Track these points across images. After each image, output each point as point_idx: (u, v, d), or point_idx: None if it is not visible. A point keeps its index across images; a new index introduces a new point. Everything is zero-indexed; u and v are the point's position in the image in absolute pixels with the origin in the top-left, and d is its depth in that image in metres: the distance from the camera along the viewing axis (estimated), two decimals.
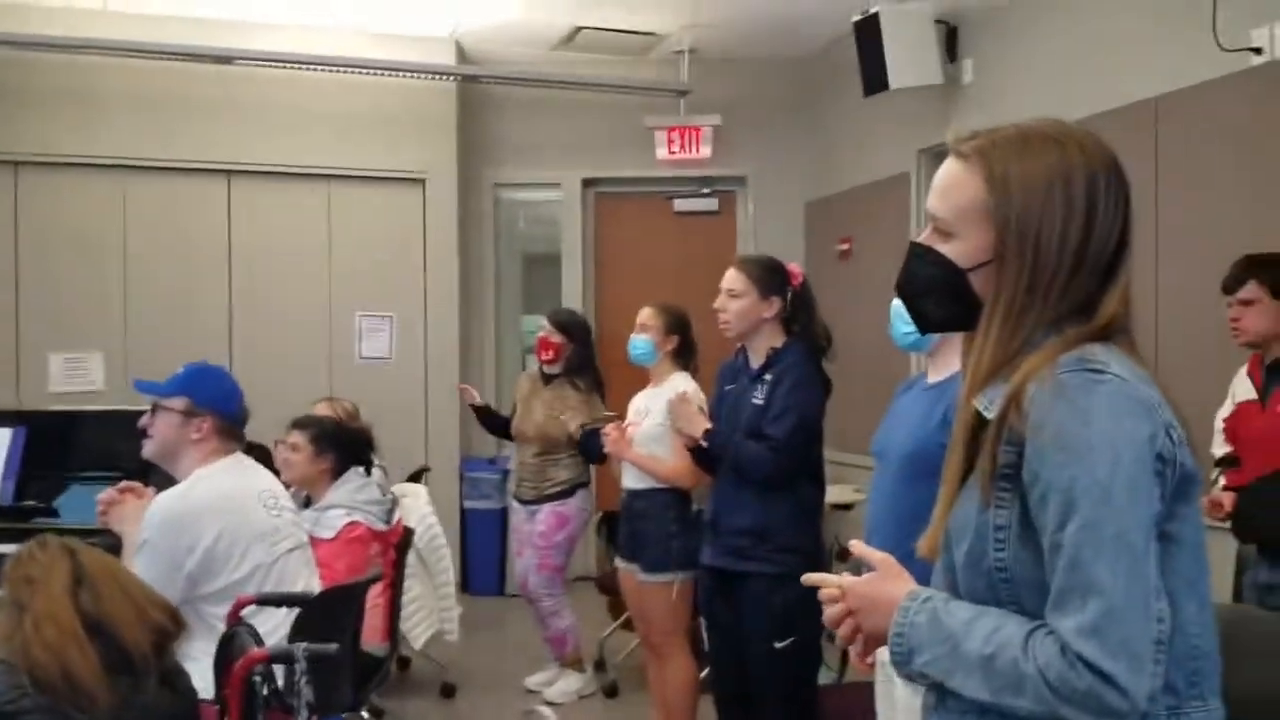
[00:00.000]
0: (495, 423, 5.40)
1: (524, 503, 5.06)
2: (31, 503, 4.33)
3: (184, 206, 6.67)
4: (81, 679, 2.02)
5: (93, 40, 6.09)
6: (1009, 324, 1.32)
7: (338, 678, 3.12)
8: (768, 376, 3.29)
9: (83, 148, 6.40)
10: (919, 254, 1.40)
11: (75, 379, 6.39)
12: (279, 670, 2.53)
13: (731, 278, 3.41)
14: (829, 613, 1.39)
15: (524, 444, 5.09)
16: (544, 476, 4.96)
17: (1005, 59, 5.62)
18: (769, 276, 3.36)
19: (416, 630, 4.79)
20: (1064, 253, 1.31)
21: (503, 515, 6.78)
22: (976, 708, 1.26)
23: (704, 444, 3.37)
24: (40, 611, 2.09)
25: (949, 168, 1.38)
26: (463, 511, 6.99)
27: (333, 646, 2.27)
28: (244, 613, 2.84)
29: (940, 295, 1.38)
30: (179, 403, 2.97)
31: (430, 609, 4.84)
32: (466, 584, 6.95)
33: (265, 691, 2.10)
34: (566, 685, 4.96)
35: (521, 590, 5.11)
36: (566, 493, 4.94)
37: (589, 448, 4.72)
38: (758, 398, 3.26)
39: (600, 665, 5.28)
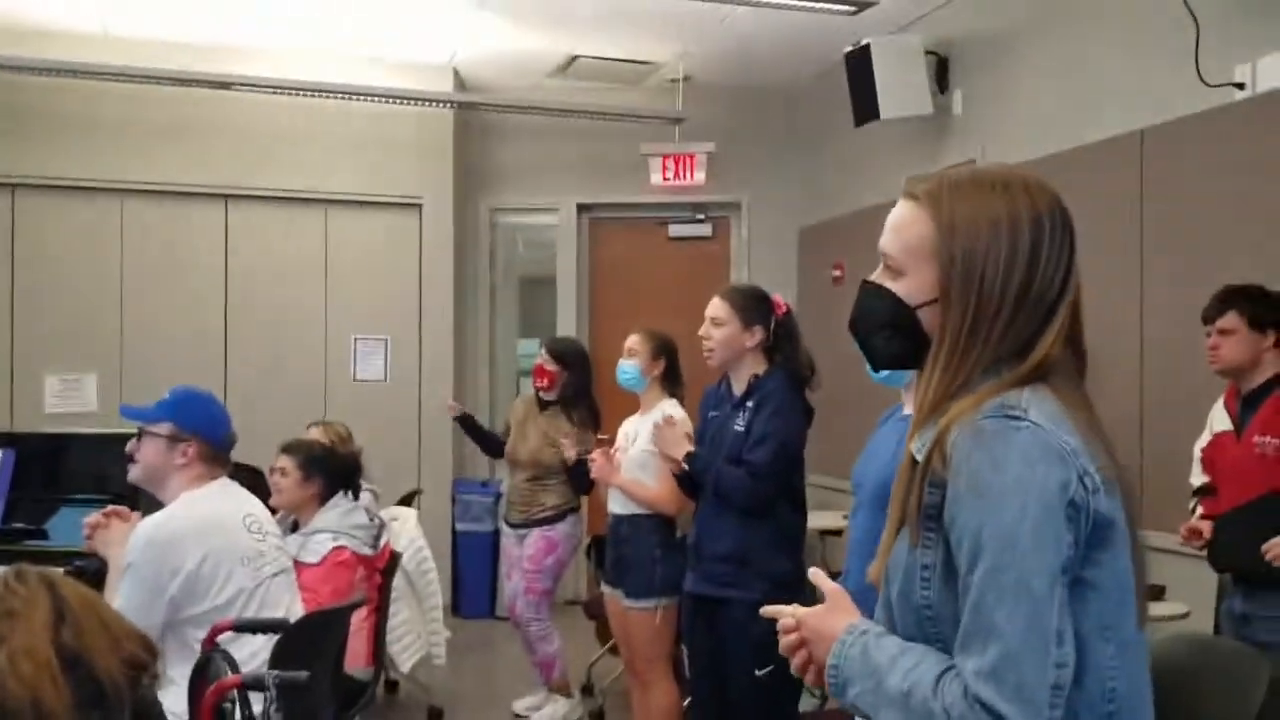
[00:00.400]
0: (486, 441, 5.44)
1: (513, 526, 5.08)
2: (20, 525, 4.34)
3: (181, 230, 6.72)
4: (53, 714, 2.02)
5: (92, 65, 6.16)
6: (951, 364, 1.35)
7: (318, 703, 3.13)
8: (749, 404, 3.32)
9: (80, 170, 6.47)
10: (870, 291, 1.43)
11: (70, 400, 6.42)
12: (258, 697, 2.55)
13: (716, 306, 3.44)
14: (783, 642, 1.42)
15: (516, 468, 5.11)
16: (534, 501, 4.99)
17: (994, 90, 5.67)
18: (753, 305, 3.39)
19: (404, 654, 4.79)
20: (1006, 294, 1.33)
21: (494, 538, 6.79)
22: None
23: (685, 467, 3.40)
24: (18, 647, 2.07)
25: (901, 207, 1.42)
26: (454, 534, 7.00)
27: (303, 675, 2.29)
28: (224, 638, 2.86)
29: (890, 332, 1.41)
30: (164, 428, 2.99)
31: (418, 633, 4.85)
32: (457, 606, 6.96)
33: (239, 718, 2.10)
34: (554, 711, 4.96)
35: (510, 614, 5.12)
36: (555, 518, 4.97)
37: (577, 477, 4.75)
38: (739, 424, 3.29)
39: (587, 690, 5.29)
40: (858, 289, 1.46)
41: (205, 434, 3.01)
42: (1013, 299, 1.34)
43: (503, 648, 6.28)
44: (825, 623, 1.38)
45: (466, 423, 5.49)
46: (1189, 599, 4.15)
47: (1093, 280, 4.85)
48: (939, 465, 1.29)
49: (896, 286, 1.41)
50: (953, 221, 1.36)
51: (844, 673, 1.32)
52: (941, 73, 6.02)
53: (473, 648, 6.27)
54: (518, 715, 5.03)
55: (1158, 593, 4.15)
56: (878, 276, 1.43)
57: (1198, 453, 3.57)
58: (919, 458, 1.33)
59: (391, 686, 5.39)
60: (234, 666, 2.24)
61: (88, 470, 4.63)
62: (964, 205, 1.36)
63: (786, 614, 1.42)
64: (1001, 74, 5.62)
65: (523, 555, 4.97)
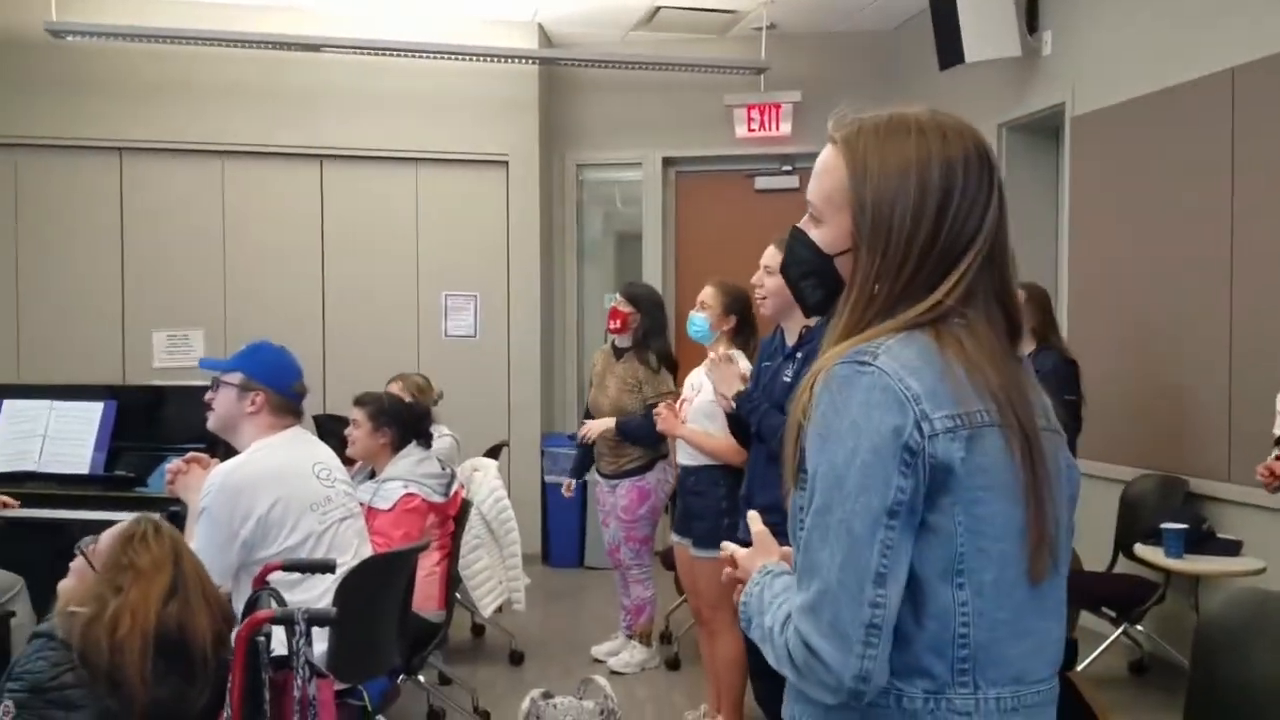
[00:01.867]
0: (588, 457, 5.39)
1: (604, 476, 5.15)
2: (121, 473, 4.60)
3: (279, 190, 6.95)
4: (125, 677, 2.14)
5: (189, 30, 6.38)
6: (857, 310, 1.34)
7: (383, 640, 3.27)
8: (799, 355, 3.31)
9: (182, 133, 6.72)
10: (795, 238, 1.43)
11: (177, 355, 6.73)
12: (320, 635, 2.68)
13: (770, 254, 3.43)
14: (723, 580, 1.47)
15: (599, 418, 5.15)
16: (620, 451, 5.02)
17: (1085, 30, 5.47)
18: None
19: (486, 599, 4.94)
20: (914, 242, 1.31)
21: (582, 489, 6.90)
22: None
23: (733, 405, 3.40)
24: (128, 603, 2.19)
25: (824, 153, 1.39)
26: (544, 486, 7.14)
27: (331, 610, 2.39)
28: (292, 579, 3.00)
29: (814, 280, 1.41)
30: (236, 378, 3.14)
31: (499, 579, 4.98)
32: (547, 556, 7.12)
33: (274, 653, 2.22)
34: (631, 656, 5.06)
35: (610, 558, 5.21)
36: (644, 467, 5.00)
37: (634, 432, 4.80)
38: (788, 375, 3.29)
39: (665, 638, 5.38)
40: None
41: (273, 383, 3.13)
42: (919, 247, 1.31)
43: (588, 596, 6.41)
44: (750, 563, 1.42)
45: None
46: (1269, 555, 4.02)
47: (1182, 224, 4.73)
48: (802, 409, 1.31)
49: (816, 234, 1.40)
50: (865, 169, 1.33)
51: (748, 610, 1.36)
52: (1031, 13, 5.83)
53: (559, 596, 6.42)
54: (597, 660, 5.14)
55: (1234, 547, 4.03)
56: (804, 223, 1.42)
57: (1279, 404, 3.44)
58: (794, 401, 1.35)
59: (477, 630, 5.57)
60: (282, 604, 2.35)
61: (186, 421, 4.85)
62: (875, 152, 1.33)
63: (729, 552, 1.47)
64: (1092, 12, 5.41)
65: (617, 505, 5.04)
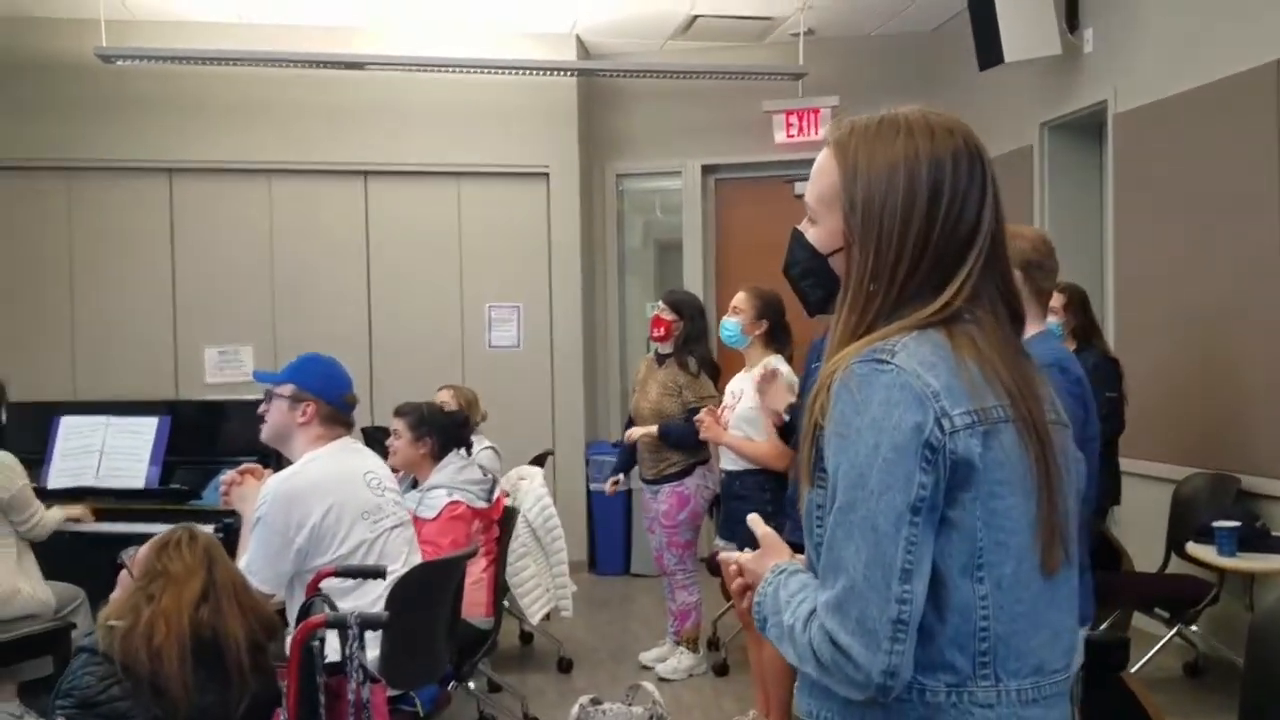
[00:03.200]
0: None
1: (646, 482, 5.17)
2: (175, 486, 4.69)
3: (324, 205, 7.06)
4: (167, 684, 2.18)
5: (234, 52, 6.51)
6: (855, 310, 1.35)
7: (434, 646, 3.31)
8: None
9: (230, 153, 6.85)
10: (795, 238, 1.45)
11: (228, 370, 6.85)
12: (373, 640, 2.72)
13: None
14: (731, 587, 1.47)
15: (640, 423, 5.17)
16: (661, 456, 5.04)
17: (1126, 27, 5.43)
18: None
19: (534, 607, 4.98)
20: (906, 239, 1.32)
21: (626, 496, 6.93)
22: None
23: (786, 419, 3.42)
24: (161, 610, 2.25)
25: (820, 156, 1.42)
26: (589, 494, 7.18)
27: (384, 615, 2.43)
28: (347, 586, 3.05)
29: (812, 279, 1.44)
30: (287, 389, 3.20)
31: (546, 586, 5.02)
32: (593, 563, 7.16)
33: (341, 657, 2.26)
34: (678, 662, 5.07)
35: (657, 564, 5.24)
36: (683, 472, 5.01)
37: (675, 437, 4.82)
38: None
39: (713, 644, 5.38)
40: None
41: (324, 394, 3.19)
42: (912, 245, 1.32)
43: (635, 603, 6.44)
44: (759, 565, 1.42)
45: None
46: None
47: (1229, 218, 4.70)
48: (819, 409, 1.32)
49: (812, 234, 1.42)
50: (855, 168, 1.35)
51: (762, 610, 1.37)
52: (1071, 10, 5.80)
53: (606, 603, 6.45)
54: (644, 666, 5.16)
55: None
56: (803, 224, 1.45)
57: None
58: (810, 401, 1.35)
59: (526, 638, 5.61)
60: (333, 609, 2.40)
61: (238, 434, 4.95)
62: (864, 152, 1.35)
63: (732, 560, 1.47)
64: (1133, 9, 5.37)
65: (658, 511, 5.06)
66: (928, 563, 1.27)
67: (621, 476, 5.47)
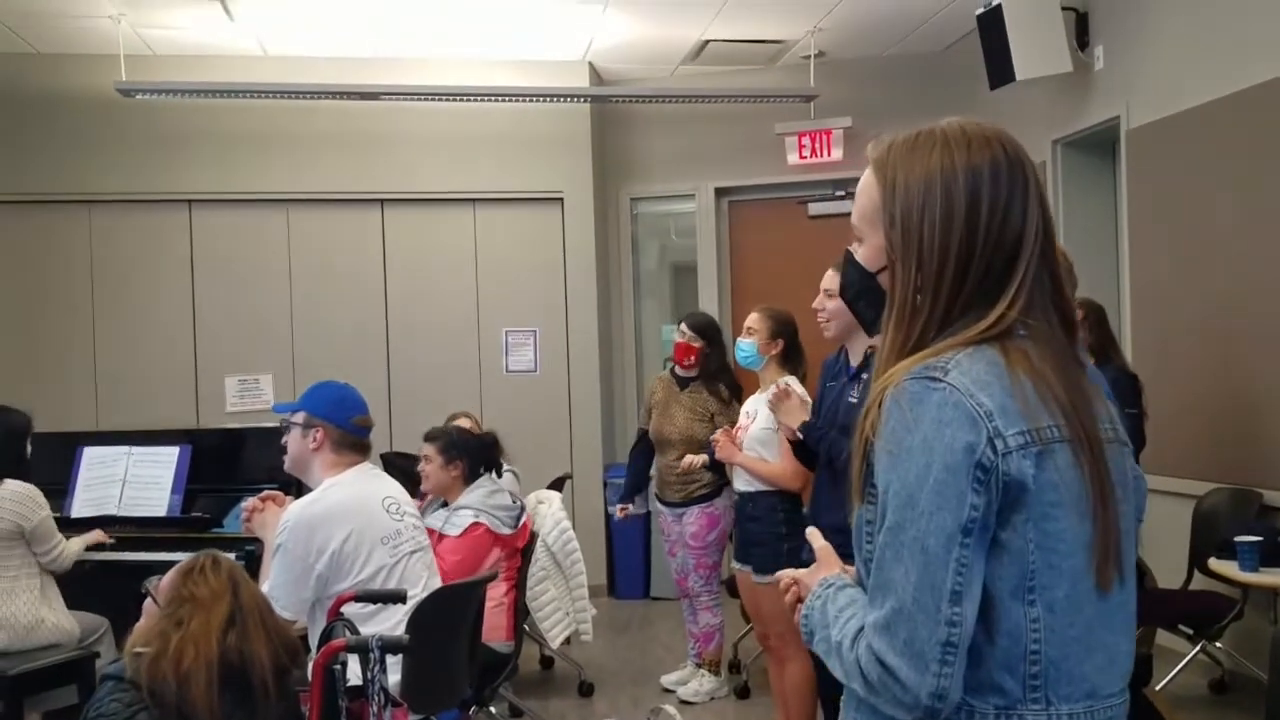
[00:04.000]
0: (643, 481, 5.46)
1: (670, 505, 5.14)
2: (197, 514, 4.73)
3: (342, 234, 7.12)
4: (194, 710, 2.19)
5: (249, 85, 6.59)
6: (902, 326, 1.35)
7: (454, 671, 3.32)
8: (864, 375, 3.31)
9: (248, 184, 6.93)
10: (846, 259, 1.46)
11: (248, 399, 6.90)
12: (394, 664, 2.73)
13: (829, 278, 3.44)
14: (784, 603, 1.47)
15: (667, 447, 5.13)
16: (690, 478, 5.02)
17: (1137, 43, 5.44)
18: None
19: (554, 631, 4.98)
20: (948, 252, 1.32)
21: (646, 520, 6.94)
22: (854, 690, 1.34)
23: (800, 436, 3.41)
24: (190, 635, 2.25)
25: (863, 175, 1.43)
26: (607, 518, 7.18)
27: (405, 638, 2.45)
28: (368, 611, 3.07)
29: (867, 298, 1.44)
30: (300, 417, 3.23)
31: (565, 610, 5.03)
32: (612, 588, 7.15)
33: (362, 680, 2.27)
34: (700, 685, 5.06)
35: (678, 586, 5.23)
36: (714, 493, 5.00)
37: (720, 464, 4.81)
38: (853, 396, 3.29)
39: (734, 667, 5.37)
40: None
41: (331, 419, 3.21)
42: (956, 256, 1.32)
43: (655, 626, 6.43)
44: (811, 580, 1.43)
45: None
46: None
47: (1246, 232, 4.68)
48: (870, 425, 1.31)
49: (860, 254, 1.43)
50: (893, 184, 1.35)
51: (810, 623, 1.37)
52: (1081, 28, 5.82)
53: (626, 627, 6.44)
54: (666, 690, 5.15)
55: None
56: (853, 245, 1.45)
57: None
58: (861, 417, 1.35)
59: (546, 662, 5.61)
60: (354, 634, 2.42)
61: (258, 462, 4.99)
62: (902, 167, 1.35)
63: (787, 576, 1.48)
64: (1143, 25, 5.39)
65: (684, 533, 5.05)
66: (978, 585, 1.25)
67: (630, 505, 5.44)
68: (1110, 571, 1.30)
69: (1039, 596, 1.27)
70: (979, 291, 1.33)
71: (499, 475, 4.36)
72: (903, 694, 1.24)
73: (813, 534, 1.51)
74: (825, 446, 3.32)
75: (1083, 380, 1.35)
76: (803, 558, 3.45)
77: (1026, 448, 1.26)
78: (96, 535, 4.50)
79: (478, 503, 4.12)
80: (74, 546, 4.27)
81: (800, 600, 1.43)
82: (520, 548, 4.27)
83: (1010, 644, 1.27)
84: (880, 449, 1.29)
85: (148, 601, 2.40)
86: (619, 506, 5.53)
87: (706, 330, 5.14)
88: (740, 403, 5.03)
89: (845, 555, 3.38)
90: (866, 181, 1.41)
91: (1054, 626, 1.28)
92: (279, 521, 3.21)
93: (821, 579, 1.40)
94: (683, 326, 5.16)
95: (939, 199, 1.32)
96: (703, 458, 4.86)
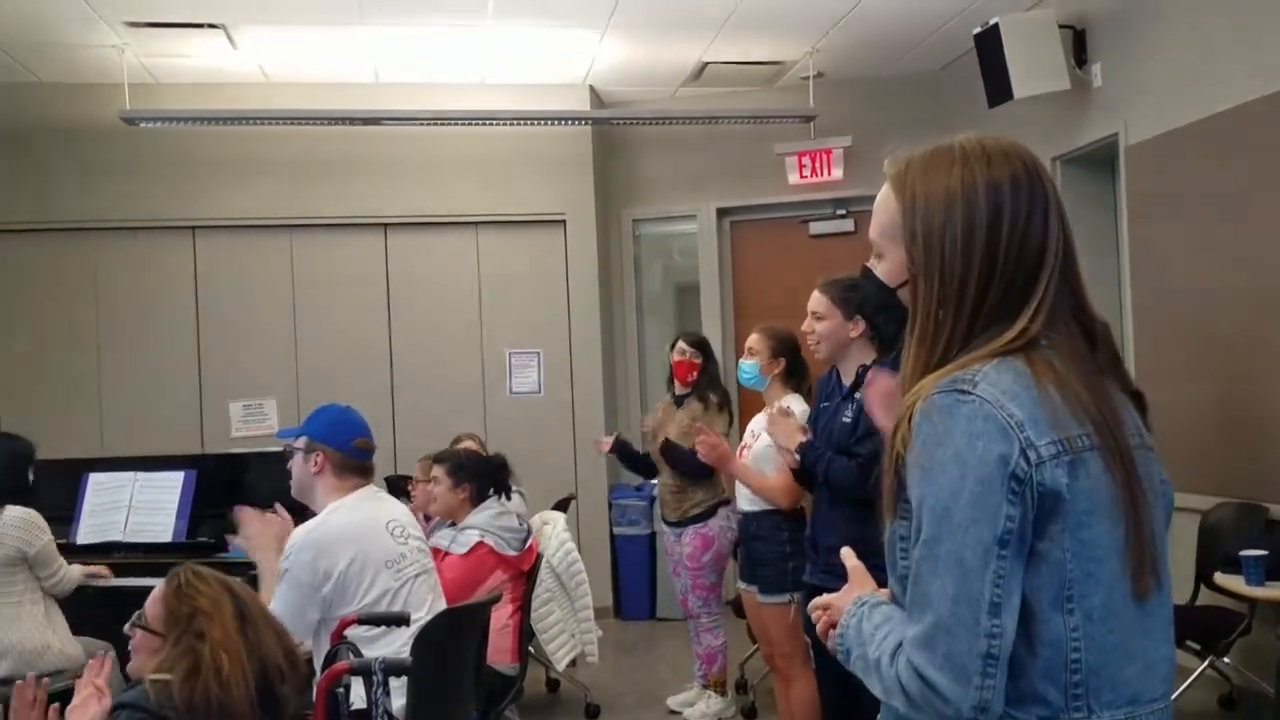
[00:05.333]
0: (637, 462, 5.51)
1: (669, 524, 5.16)
2: (202, 539, 4.73)
3: (345, 259, 7.15)
4: (237, 710, 2.19)
5: (251, 111, 6.63)
6: (925, 340, 1.35)
7: (459, 694, 3.31)
8: (857, 395, 3.31)
9: (251, 210, 6.97)
10: (864, 275, 1.47)
11: (252, 424, 6.91)
12: (399, 686, 2.73)
13: (815, 300, 3.44)
14: (819, 627, 1.46)
15: (663, 467, 5.18)
16: (684, 498, 5.03)
17: (1135, 60, 5.47)
18: (853, 296, 3.39)
19: (559, 653, 4.97)
20: (970, 266, 1.32)
21: (651, 540, 6.94)
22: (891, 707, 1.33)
23: (798, 458, 3.42)
24: (218, 642, 2.24)
25: (880, 192, 1.44)
26: (613, 538, 7.17)
27: (407, 660, 2.45)
28: (372, 634, 3.07)
29: (884, 314, 1.45)
30: (301, 442, 3.24)
31: (571, 632, 5.02)
32: (618, 609, 7.13)
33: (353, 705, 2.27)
34: (707, 707, 5.04)
35: (682, 607, 5.22)
36: (707, 514, 5.00)
37: (681, 460, 4.82)
38: (847, 416, 3.30)
39: (741, 687, 5.35)
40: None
41: (330, 442, 3.22)
42: (978, 271, 1.32)
43: (661, 647, 6.41)
44: (844, 600, 1.42)
45: (622, 450, 5.47)
46: None
47: (1248, 246, 4.68)
48: (901, 440, 1.31)
49: (879, 269, 1.43)
50: (913, 200, 1.36)
51: (846, 642, 1.37)
52: (1079, 46, 5.85)
53: (632, 648, 6.42)
54: (673, 711, 5.13)
55: None
56: (871, 261, 1.46)
57: None
58: (890, 432, 1.35)
59: (552, 685, 5.59)
60: (358, 656, 2.42)
61: (264, 486, 4.98)
62: (922, 182, 1.36)
63: (820, 603, 1.47)
64: (1142, 42, 5.41)
65: (682, 554, 5.05)
66: (1017, 595, 1.26)
67: (613, 438, 5.49)
68: (1147, 578, 1.31)
69: (1077, 605, 1.28)
70: (1001, 306, 1.33)
71: (508, 498, 4.36)
72: (945, 708, 1.24)
73: (847, 554, 1.50)
74: (823, 467, 3.33)
75: (1108, 388, 1.35)
76: (806, 580, 3.42)
77: (1059, 457, 1.27)
78: (101, 570, 4.49)
79: (484, 523, 4.13)
80: (75, 572, 4.28)
81: (833, 626, 1.41)
82: (525, 570, 4.27)
83: (1052, 654, 1.27)
84: (912, 464, 1.29)
85: (139, 636, 2.36)
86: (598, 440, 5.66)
87: (704, 346, 5.20)
88: (729, 412, 5.07)
89: (844, 575, 3.36)
90: (884, 197, 1.42)
91: (1093, 634, 1.28)
92: (272, 546, 3.22)
93: (855, 598, 1.40)
94: (681, 345, 5.19)
95: (960, 213, 1.33)
96: (651, 417, 4.99)
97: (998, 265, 1.33)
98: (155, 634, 2.29)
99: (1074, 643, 1.28)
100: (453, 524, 4.27)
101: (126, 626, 2.40)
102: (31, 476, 4.35)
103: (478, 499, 4.23)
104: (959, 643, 1.23)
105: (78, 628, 4.27)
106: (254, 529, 3.26)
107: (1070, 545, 1.27)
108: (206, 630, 2.25)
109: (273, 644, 2.31)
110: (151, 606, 2.36)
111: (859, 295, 3.41)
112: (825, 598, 1.46)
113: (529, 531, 4.42)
